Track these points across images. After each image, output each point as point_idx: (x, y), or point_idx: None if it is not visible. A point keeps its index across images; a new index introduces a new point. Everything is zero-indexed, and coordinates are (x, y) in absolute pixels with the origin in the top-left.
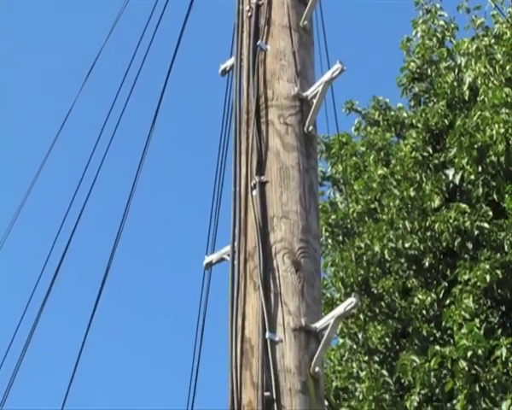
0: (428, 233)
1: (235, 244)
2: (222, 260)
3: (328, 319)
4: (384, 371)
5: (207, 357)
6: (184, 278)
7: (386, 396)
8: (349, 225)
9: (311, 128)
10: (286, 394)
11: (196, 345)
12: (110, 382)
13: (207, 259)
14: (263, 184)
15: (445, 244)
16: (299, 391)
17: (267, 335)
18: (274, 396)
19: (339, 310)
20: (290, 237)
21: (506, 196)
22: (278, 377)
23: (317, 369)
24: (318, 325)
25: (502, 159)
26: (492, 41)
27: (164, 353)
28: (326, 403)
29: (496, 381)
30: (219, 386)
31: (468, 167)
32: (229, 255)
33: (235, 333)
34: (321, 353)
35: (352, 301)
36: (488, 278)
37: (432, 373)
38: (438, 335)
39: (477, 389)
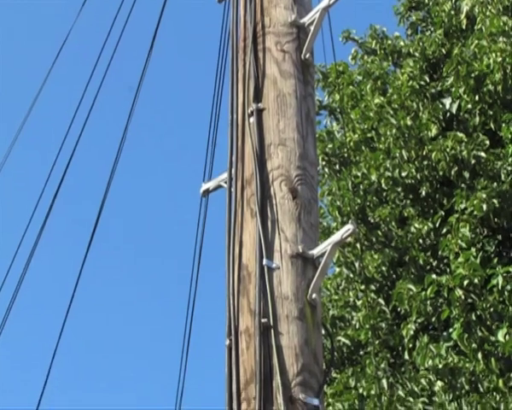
0: (425, 162)
1: (233, 171)
2: (219, 187)
3: (325, 246)
4: (380, 300)
5: (205, 284)
6: (181, 205)
7: (383, 325)
8: (346, 155)
9: (308, 55)
10: (283, 320)
11: (193, 272)
12: (106, 307)
13: (204, 186)
14: (260, 112)
15: (441, 173)
16: (297, 318)
17: (264, 262)
18: (271, 323)
19: (336, 237)
20: (287, 165)
21: (503, 125)
22: (275, 304)
23: (314, 296)
24: (315, 251)
25: (499, 88)
26: None
27: (161, 280)
28: (323, 330)
29: (492, 309)
30: (217, 313)
31: (465, 96)
32: (226, 183)
33: (232, 260)
34: (318, 279)
35: (349, 228)
36: (485, 207)
37: (428, 302)
38: (434, 264)
39: (473, 317)
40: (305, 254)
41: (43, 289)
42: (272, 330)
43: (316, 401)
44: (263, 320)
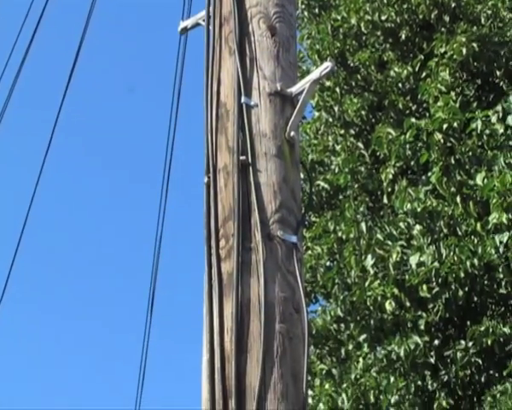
0: (405, 6)
1: (210, 9)
2: (197, 25)
3: (303, 84)
4: (360, 144)
5: (184, 122)
6: (160, 43)
7: (362, 169)
8: None
9: None
10: (261, 158)
11: (173, 110)
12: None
13: (182, 24)
14: None
15: (421, 17)
16: (275, 155)
17: (242, 99)
18: (249, 160)
19: (314, 74)
20: (265, 2)
21: None
22: (254, 142)
23: (292, 134)
24: (294, 89)
25: None
26: None
27: (141, 120)
28: (302, 174)
29: (470, 153)
30: (196, 151)
31: None
32: (204, 20)
33: (210, 98)
34: (296, 117)
35: (327, 65)
36: (464, 50)
37: (407, 146)
38: (413, 108)
39: (452, 161)
40: (283, 91)
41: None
42: (250, 168)
43: (294, 239)
44: (241, 158)
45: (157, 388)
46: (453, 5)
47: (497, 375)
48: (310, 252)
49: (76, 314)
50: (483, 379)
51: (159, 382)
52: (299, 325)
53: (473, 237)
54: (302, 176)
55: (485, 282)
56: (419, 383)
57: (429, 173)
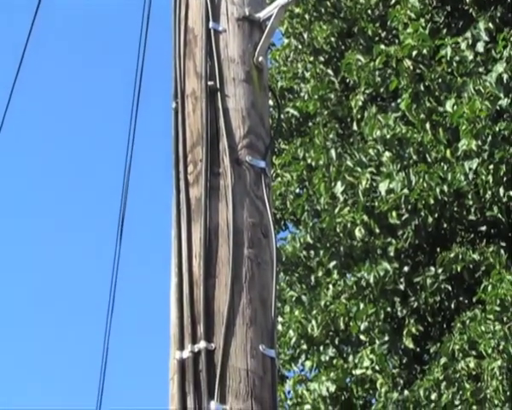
0: None
1: None
2: None
3: (271, 9)
4: (329, 71)
5: (153, 46)
6: None
7: (331, 96)
8: None
9: None
10: (229, 83)
11: (141, 38)
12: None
13: None
14: None
15: None
16: (243, 80)
17: (210, 25)
18: (218, 85)
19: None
20: None
21: None
22: (222, 67)
23: (260, 59)
24: (262, 14)
25: None
26: None
27: (108, 53)
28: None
29: (440, 80)
30: (164, 77)
31: None
32: None
33: (178, 23)
34: (264, 42)
35: None
36: None
37: (376, 72)
38: (383, 34)
39: (421, 88)
40: (251, 16)
41: None
42: (219, 93)
43: (262, 164)
44: (209, 83)
45: (126, 311)
46: None
47: (466, 301)
48: (279, 179)
49: (46, 241)
50: (452, 306)
51: (128, 305)
52: (267, 251)
53: (442, 163)
54: (271, 103)
55: (455, 208)
56: (388, 309)
57: (399, 100)
